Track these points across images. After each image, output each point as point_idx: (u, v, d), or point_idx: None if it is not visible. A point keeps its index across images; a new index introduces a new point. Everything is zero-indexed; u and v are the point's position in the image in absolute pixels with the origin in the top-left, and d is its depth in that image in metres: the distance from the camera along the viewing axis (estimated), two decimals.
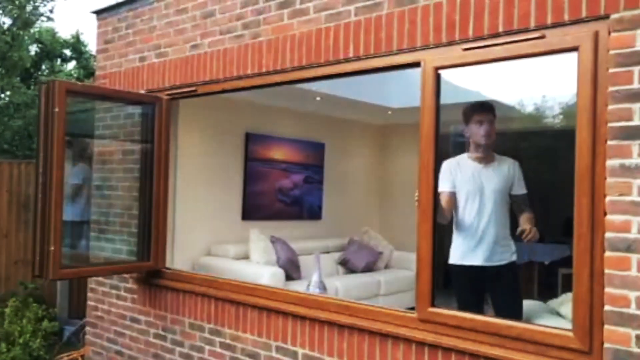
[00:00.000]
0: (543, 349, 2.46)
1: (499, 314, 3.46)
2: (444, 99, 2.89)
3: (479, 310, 3.49)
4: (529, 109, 6.74)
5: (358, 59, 3.15)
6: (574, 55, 2.40)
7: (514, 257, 3.60)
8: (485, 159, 3.66)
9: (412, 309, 2.93)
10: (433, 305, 2.81)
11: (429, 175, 2.86)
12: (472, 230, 3.53)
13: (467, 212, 3.54)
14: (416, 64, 2.94)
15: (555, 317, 3.38)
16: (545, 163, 10.32)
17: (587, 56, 2.36)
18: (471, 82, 6.16)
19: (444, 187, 3.45)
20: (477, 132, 3.63)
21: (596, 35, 2.34)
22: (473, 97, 6.42)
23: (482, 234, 3.51)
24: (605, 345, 2.28)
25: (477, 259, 3.51)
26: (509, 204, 3.60)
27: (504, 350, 2.55)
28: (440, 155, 2.94)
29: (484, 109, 3.67)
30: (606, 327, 2.28)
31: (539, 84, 5.42)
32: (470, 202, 3.54)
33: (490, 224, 3.52)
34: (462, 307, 3.36)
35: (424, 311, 2.83)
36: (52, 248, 3.63)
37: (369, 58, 3.11)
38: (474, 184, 3.56)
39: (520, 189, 3.64)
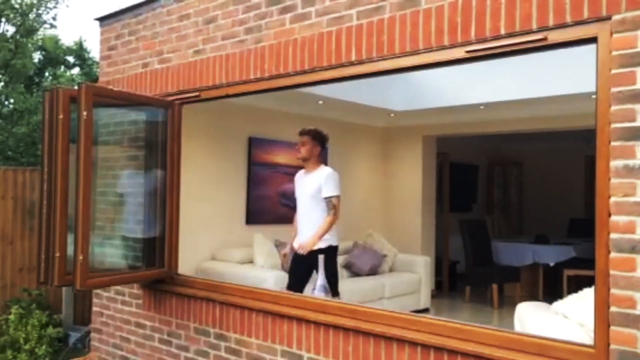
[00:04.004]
0: None
1: None
2: None
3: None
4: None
5: (360, 62, 3.16)
6: None
7: None
8: None
9: (417, 311, 2.94)
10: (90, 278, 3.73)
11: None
12: None
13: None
14: (419, 67, 2.94)
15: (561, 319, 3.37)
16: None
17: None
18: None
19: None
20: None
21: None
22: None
23: None
24: (612, 346, 2.28)
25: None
26: None
27: None
28: None
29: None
30: (612, 328, 2.28)
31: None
32: None
33: None
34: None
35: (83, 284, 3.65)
36: (58, 254, 3.63)
37: (371, 61, 3.12)
38: None
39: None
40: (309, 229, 4.64)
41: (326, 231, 4.55)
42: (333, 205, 4.58)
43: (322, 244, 4.60)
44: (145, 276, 4.34)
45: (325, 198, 4.59)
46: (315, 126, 4.86)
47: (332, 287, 4.45)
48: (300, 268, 4.64)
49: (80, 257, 3.53)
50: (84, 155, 3.56)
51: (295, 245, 4.71)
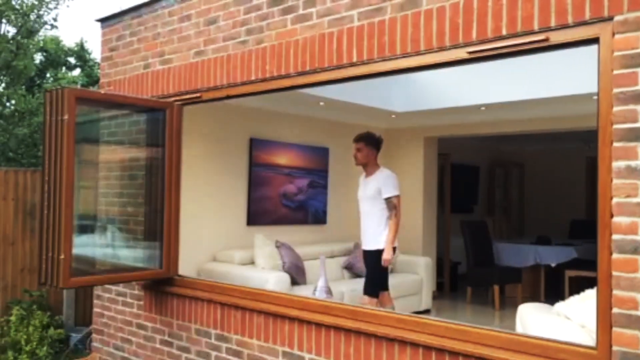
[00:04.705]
0: None
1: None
2: None
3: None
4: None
5: (361, 63, 3.16)
6: None
7: None
8: None
9: (418, 312, 2.93)
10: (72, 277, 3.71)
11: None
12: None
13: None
14: (421, 68, 2.94)
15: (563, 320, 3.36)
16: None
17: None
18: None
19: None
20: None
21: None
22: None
23: None
24: (614, 347, 2.27)
25: None
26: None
27: None
28: None
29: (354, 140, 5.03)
30: (614, 329, 2.27)
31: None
32: None
33: None
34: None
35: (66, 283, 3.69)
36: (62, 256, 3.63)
37: (372, 62, 3.11)
38: None
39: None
40: (367, 229, 4.93)
41: (395, 235, 4.74)
42: (394, 206, 4.74)
43: (370, 247, 4.86)
44: (138, 276, 4.33)
45: (386, 199, 4.76)
46: (359, 131, 5.05)
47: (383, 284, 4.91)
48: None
49: (62, 256, 3.59)
50: (67, 158, 3.59)
51: (363, 246, 5.00)
